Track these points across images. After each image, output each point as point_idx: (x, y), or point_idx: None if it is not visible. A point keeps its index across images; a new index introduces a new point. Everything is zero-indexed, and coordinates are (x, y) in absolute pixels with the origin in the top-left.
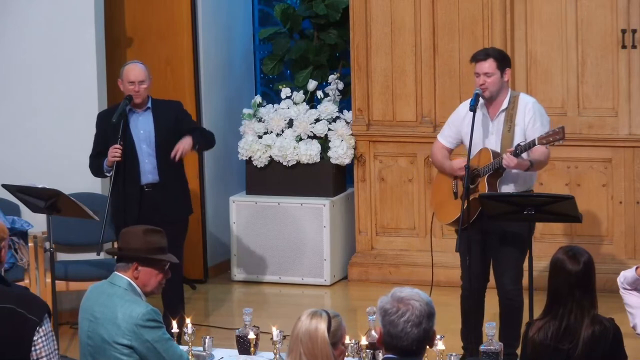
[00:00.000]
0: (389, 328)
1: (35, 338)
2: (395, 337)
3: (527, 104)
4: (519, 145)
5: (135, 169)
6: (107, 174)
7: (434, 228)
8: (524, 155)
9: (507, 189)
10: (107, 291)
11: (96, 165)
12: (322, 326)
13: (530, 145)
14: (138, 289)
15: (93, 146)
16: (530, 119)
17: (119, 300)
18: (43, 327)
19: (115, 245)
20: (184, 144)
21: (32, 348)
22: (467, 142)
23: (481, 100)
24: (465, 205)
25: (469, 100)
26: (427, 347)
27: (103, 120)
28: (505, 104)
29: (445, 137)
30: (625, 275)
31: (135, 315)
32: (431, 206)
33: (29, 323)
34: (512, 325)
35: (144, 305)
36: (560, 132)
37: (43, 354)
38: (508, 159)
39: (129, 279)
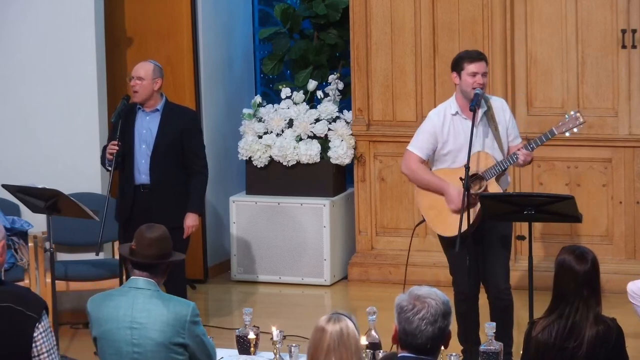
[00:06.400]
0: (404, 325)
1: (35, 334)
2: (410, 335)
3: (501, 103)
4: (531, 140)
5: (131, 168)
6: (108, 168)
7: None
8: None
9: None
10: (137, 295)
11: (103, 156)
12: (352, 326)
13: (547, 137)
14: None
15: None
16: (510, 117)
17: (159, 301)
18: (42, 323)
19: (132, 246)
20: (193, 224)
21: (33, 344)
22: (444, 149)
23: (457, 106)
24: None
25: (439, 107)
26: (442, 348)
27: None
28: (484, 106)
29: (421, 148)
30: (633, 288)
31: (185, 312)
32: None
33: (28, 320)
34: (505, 324)
35: (185, 301)
36: (579, 117)
37: (44, 349)
38: (526, 155)
39: (152, 281)
